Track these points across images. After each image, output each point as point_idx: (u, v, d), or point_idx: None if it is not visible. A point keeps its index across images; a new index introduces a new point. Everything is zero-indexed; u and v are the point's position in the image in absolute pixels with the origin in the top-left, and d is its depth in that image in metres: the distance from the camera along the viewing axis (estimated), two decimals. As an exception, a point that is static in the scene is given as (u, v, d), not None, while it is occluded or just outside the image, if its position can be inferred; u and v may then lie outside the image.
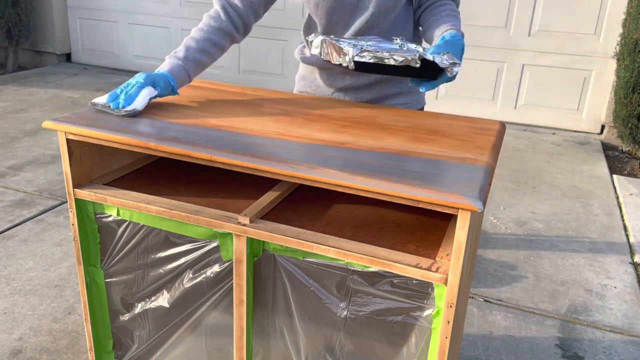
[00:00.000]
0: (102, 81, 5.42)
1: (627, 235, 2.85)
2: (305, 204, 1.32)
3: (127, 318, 1.44)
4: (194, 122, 1.31)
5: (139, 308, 1.41)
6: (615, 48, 4.07)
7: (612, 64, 4.21)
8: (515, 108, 4.58)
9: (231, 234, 1.20)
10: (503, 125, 1.44)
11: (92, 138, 1.25)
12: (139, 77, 1.36)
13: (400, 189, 1.02)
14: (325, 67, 1.67)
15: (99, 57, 5.94)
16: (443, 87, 4.70)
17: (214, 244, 1.24)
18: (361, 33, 1.56)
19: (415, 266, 1.07)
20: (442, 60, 1.25)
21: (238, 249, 1.20)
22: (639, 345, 2.05)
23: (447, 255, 1.12)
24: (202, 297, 1.31)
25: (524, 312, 2.21)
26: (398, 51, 1.23)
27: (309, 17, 1.63)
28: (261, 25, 5.13)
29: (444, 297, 1.06)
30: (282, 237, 1.15)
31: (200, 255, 1.27)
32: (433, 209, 1.01)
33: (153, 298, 1.38)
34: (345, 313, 1.17)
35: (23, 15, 5.49)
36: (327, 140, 1.24)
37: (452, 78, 1.34)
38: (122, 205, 1.30)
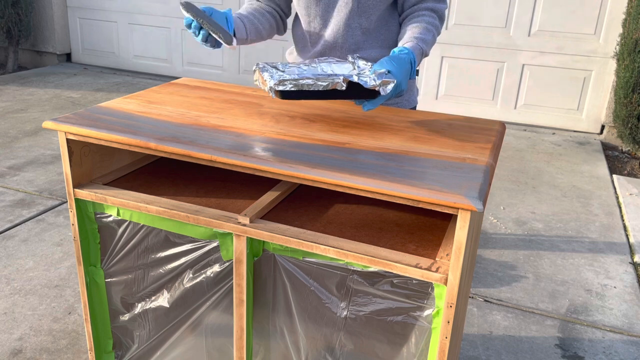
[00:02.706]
0: (102, 81, 5.42)
1: (627, 235, 2.85)
2: (305, 204, 1.32)
3: (127, 318, 1.44)
4: (194, 122, 1.31)
5: (139, 308, 1.41)
6: (615, 48, 4.07)
7: (612, 64, 4.21)
8: (515, 108, 4.58)
9: (231, 234, 1.20)
10: (503, 125, 1.44)
11: (92, 138, 1.25)
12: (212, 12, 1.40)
13: (400, 189, 1.02)
14: None
15: (99, 57, 5.94)
16: (443, 87, 4.70)
17: (214, 244, 1.24)
18: (341, 33, 1.55)
19: (415, 266, 1.07)
20: (368, 81, 1.24)
21: (238, 249, 1.20)
22: (639, 345, 2.05)
23: (447, 255, 1.12)
24: (202, 297, 1.31)
25: (524, 312, 2.21)
26: (325, 75, 1.23)
27: (296, 16, 1.65)
28: (261, 25, 5.13)
29: (444, 297, 1.06)
30: (282, 237, 1.15)
31: (200, 255, 1.27)
32: (433, 209, 1.01)
33: (153, 298, 1.38)
34: (345, 313, 1.17)
35: (23, 15, 5.49)
36: (327, 140, 1.24)
37: (401, 93, 1.31)
38: (122, 205, 1.30)
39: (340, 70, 1.38)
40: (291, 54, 1.73)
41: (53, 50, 5.89)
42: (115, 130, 1.23)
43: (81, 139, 1.27)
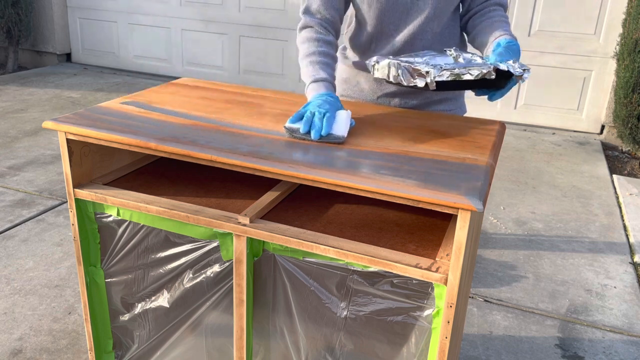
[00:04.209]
0: (102, 81, 5.42)
1: (627, 235, 2.85)
2: (305, 204, 1.32)
3: (127, 318, 1.44)
4: (194, 122, 1.31)
5: (139, 308, 1.41)
6: (615, 48, 4.07)
7: (612, 64, 4.21)
8: (515, 108, 4.58)
9: (231, 234, 1.20)
10: (503, 125, 1.44)
11: (92, 138, 1.25)
12: (323, 105, 1.27)
13: (400, 189, 1.02)
14: (369, 72, 1.63)
15: (99, 57, 5.94)
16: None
17: (214, 244, 1.24)
18: (413, 37, 1.53)
19: (415, 266, 1.07)
20: (514, 68, 1.26)
21: (238, 249, 1.20)
22: (639, 345, 2.05)
23: (447, 255, 1.12)
24: (202, 297, 1.31)
25: (524, 312, 2.21)
26: (473, 65, 1.25)
27: (356, 20, 1.58)
28: (261, 25, 5.13)
29: (444, 297, 1.06)
30: (282, 237, 1.15)
31: (200, 255, 1.27)
32: (433, 209, 1.01)
33: (153, 298, 1.38)
34: (345, 313, 1.17)
35: (23, 15, 5.49)
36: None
37: (513, 85, 1.33)
38: (122, 205, 1.30)
39: (444, 62, 1.38)
40: (347, 58, 1.68)
41: (53, 50, 5.89)
42: (115, 130, 1.23)
43: (81, 139, 1.27)
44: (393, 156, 1.16)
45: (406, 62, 1.29)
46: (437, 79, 1.23)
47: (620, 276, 2.48)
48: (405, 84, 1.28)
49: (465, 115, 1.77)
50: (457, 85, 1.27)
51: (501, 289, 2.35)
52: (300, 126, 1.24)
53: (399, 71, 1.28)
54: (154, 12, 5.53)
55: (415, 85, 1.26)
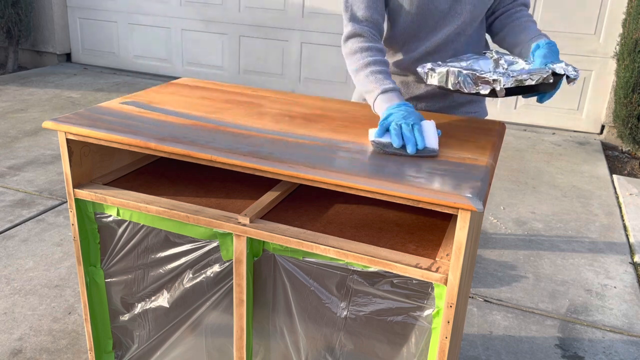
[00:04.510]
0: (102, 81, 5.42)
1: (627, 235, 2.85)
2: (305, 204, 1.32)
3: (127, 318, 1.44)
4: (194, 122, 1.31)
5: (139, 308, 1.41)
6: (615, 48, 4.07)
7: (612, 64, 4.21)
8: (515, 108, 4.58)
9: (231, 234, 1.20)
10: (503, 125, 1.44)
11: (92, 138, 1.25)
12: (408, 117, 1.22)
13: (400, 189, 1.02)
14: (397, 74, 1.63)
15: (99, 57, 5.94)
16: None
17: (214, 244, 1.24)
18: (446, 41, 1.53)
19: (415, 266, 1.07)
20: (569, 71, 1.28)
21: (238, 249, 1.20)
22: (639, 345, 2.05)
23: (447, 255, 1.12)
24: (202, 297, 1.31)
25: (524, 312, 2.21)
26: (534, 71, 1.27)
27: (389, 23, 1.56)
28: (261, 25, 5.13)
29: (444, 297, 1.06)
30: (282, 237, 1.15)
31: (200, 255, 1.27)
32: (433, 209, 1.01)
33: (153, 298, 1.38)
34: (345, 313, 1.17)
35: (23, 15, 5.49)
36: (327, 140, 1.24)
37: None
38: (122, 205, 1.30)
39: (487, 65, 1.40)
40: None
41: (53, 50, 5.89)
42: (115, 130, 1.23)
43: (81, 139, 1.27)
44: (393, 156, 1.16)
45: (469, 69, 1.29)
46: (507, 85, 1.24)
47: (620, 276, 2.48)
48: (466, 91, 1.28)
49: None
50: (518, 91, 1.28)
51: (501, 289, 2.35)
52: (390, 140, 1.19)
53: (460, 78, 1.28)
54: (154, 12, 5.53)
55: (478, 93, 1.27)
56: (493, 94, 1.26)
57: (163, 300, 1.36)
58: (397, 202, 1.08)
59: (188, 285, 1.31)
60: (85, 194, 1.33)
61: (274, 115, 1.39)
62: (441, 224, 1.25)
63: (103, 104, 1.42)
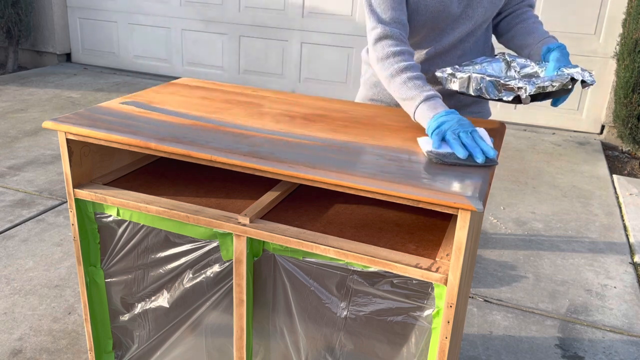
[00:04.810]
0: (102, 81, 5.42)
1: (627, 235, 2.85)
2: (305, 204, 1.32)
3: (127, 318, 1.44)
4: (194, 122, 1.31)
5: (139, 308, 1.41)
6: (615, 48, 4.07)
7: (612, 64, 4.21)
8: (515, 108, 4.58)
9: (231, 234, 1.20)
10: (503, 125, 1.44)
11: (92, 138, 1.25)
12: (464, 125, 1.18)
13: (400, 189, 1.02)
14: None
15: (99, 57, 5.94)
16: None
17: (214, 244, 1.24)
18: (458, 42, 1.54)
19: (415, 266, 1.07)
20: (585, 76, 1.29)
21: (238, 249, 1.20)
22: (639, 345, 2.05)
23: (447, 255, 1.12)
24: (202, 297, 1.31)
25: (524, 312, 2.21)
26: (555, 78, 1.27)
27: None
28: (261, 25, 5.13)
29: (444, 297, 1.06)
30: (282, 237, 1.15)
31: (200, 255, 1.27)
32: (433, 209, 1.01)
33: (153, 298, 1.38)
34: (345, 313, 1.17)
35: (23, 15, 5.49)
36: (327, 140, 1.24)
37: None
38: (122, 205, 1.30)
39: (499, 68, 1.41)
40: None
41: (53, 50, 5.89)
42: (115, 130, 1.23)
43: (81, 139, 1.27)
44: (393, 156, 1.16)
45: (492, 76, 1.29)
46: (532, 92, 1.25)
47: (620, 276, 2.48)
48: (487, 97, 1.28)
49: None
50: (539, 97, 1.28)
51: (501, 289, 2.35)
52: (450, 150, 1.14)
53: (482, 84, 1.28)
54: (154, 12, 5.53)
55: (501, 99, 1.27)
56: (516, 100, 1.27)
57: (163, 300, 1.36)
58: (397, 202, 1.07)
59: (188, 285, 1.31)
60: (85, 194, 1.33)
61: (274, 115, 1.39)
62: (441, 224, 1.25)
63: (103, 104, 1.42)
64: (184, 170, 1.48)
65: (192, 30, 5.42)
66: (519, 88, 1.25)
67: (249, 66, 5.32)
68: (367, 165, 1.11)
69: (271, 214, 1.25)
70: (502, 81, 1.27)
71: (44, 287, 2.25)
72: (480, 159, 1.11)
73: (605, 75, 4.27)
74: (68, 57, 6.12)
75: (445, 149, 1.15)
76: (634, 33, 3.63)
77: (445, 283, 1.05)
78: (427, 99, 1.27)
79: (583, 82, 1.28)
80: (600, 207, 3.17)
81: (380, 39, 1.40)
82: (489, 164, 1.13)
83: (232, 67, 5.38)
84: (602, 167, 3.77)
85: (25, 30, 5.57)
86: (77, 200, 1.34)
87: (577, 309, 2.24)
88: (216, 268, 1.26)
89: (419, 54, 1.57)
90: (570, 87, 1.27)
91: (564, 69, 1.30)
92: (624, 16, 4.07)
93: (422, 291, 1.09)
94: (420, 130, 1.33)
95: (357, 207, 1.32)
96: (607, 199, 3.28)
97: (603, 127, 4.39)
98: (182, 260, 1.30)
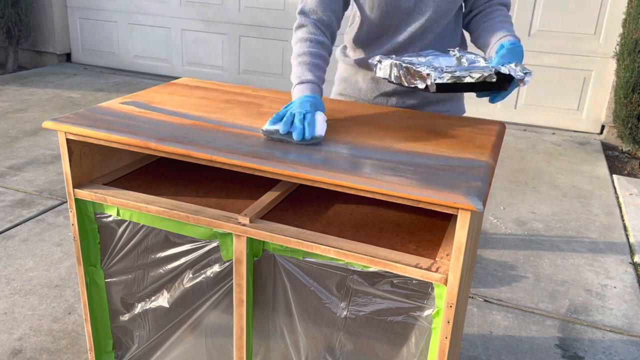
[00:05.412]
0: (102, 81, 5.42)
1: (627, 235, 2.85)
2: (305, 204, 1.32)
3: (127, 318, 1.44)
4: (194, 122, 1.31)
5: (139, 308, 1.41)
6: (615, 48, 4.07)
7: (612, 64, 4.21)
8: (515, 108, 4.58)
9: (231, 234, 1.20)
10: (503, 125, 1.44)
11: (92, 138, 1.25)
12: (303, 106, 1.26)
13: (400, 189, 1.02)
14: (368, 69, 1.64)
15: (99, 57, 5.94)
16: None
17: (214, 244, 1.24)
18: (412, 39, 1.54)
19: (415, 266, 1.07)
20: (516, 72, 1.26)
21: (238, 249, 1.20)
22: (639, 345, 2.05)
23: (447, 255, 1.12)
24: (202, 297, 1.31)
25: (524, 312, 2.21)
26: (475, 68, 1.25)
27: (359, 20, 1.58)
28: (261, 25, 5.13)
29: (444, 297, 1.06)
30: (282, 237, 1.15)
31: (200, 255, 1.27)
32: (433, 209, 1.01)
33: (153, 298, 1.38)
34: (345, 313, 1.17)
35: (23, 15, 5.49)
36: (327, 140, 1.24)
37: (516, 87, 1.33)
38: (122, 205, 1.30)
39: (447, 63, 1.38)
40: (347, 57, 1.69)
41: (53, 50, 5.89)
42: (115, 130, 1.23)
43: (81, 139, 1.27)
44: (393, 156, 1.16)
45: (408, 62, 1.29)
46: (438, 81, 1.23)
47: (620, 276, 2.48)
48: (406, 84, 1.28)
49: (466, 115, 1.77)
50: (458, 87, 1.27)
51: (501, 289, 2.35)
52: (280, 127, 1.22)
53: (401, 72, 1.28)
54: (154, 12, 5.53)
55: (416, 87, 1.26)
56: (441, 88, 1.25)
57: (163, 300, 1.36)
58: (397, 202, 1.08)
59: (188, 285, 1.31)
60: (85, 194, 1.33)
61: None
62: (441, 224, 1.25)
63: (103, 104, 1.42)
64: (184, 170, 1.48)
65: (192, 30, 5.43)
66: (427, 75, 1.23)
67: (248, 66, 5.32)
68: (367, 165, 1.11)
69: (271, 214, 1.25)
70: (414, 68, 1.26)
71: (44, 287, 2.25)
72: (295, 137, 1.19)
73: (605, 75, 4.27)
74: (68, 57, 6.12)
75: (275, 127, 1.23)
76: (634, 33, 3.63)
77: (445, 283, 1.05)
78: (301, 82, 1.37)
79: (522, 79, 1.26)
80: (600, 207, 3.17)
81: (297, 27, 1.50)
82: (306, 142, 1.20)
83: (232, 67, 5.39)
84: (602, 167, 3.77)
85: (25, 30, 5.57)
86: (77, 200, 1.35)
87: (577, 309, 2.24)
88: (216, 268, 1.26)
89: (379, 51, 1.59)
90: (494, 80, 1.23)
91: (497, 64, 1.28)
92: (624, 16, 4.07)
93: (422, 291, 1.09)
94: (421, 131, 1.33)
95: (357, 207, 1.32)
96: (607, 199, 3.28)
97: (603, 127, 4.39)
98: (182, 260, 1.30)
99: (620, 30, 4.09)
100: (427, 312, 1.10)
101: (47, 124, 1.27)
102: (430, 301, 1.09)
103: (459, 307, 1.15)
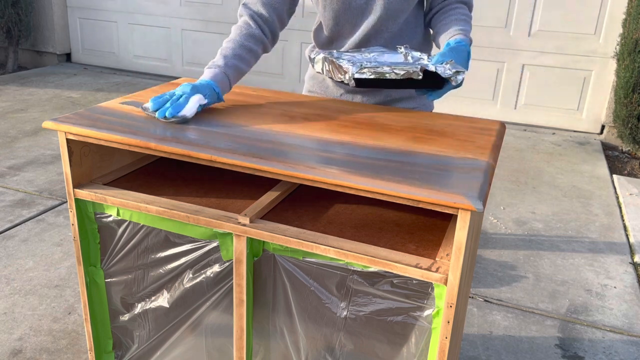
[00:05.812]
0: (102, 81, 5.42)
1: (627, 235, 2.85)
2: (305, 204, 1.32)
3: (127, 318, 1.44)
4: (194, 122, 1.31)
5: (139, 308, 1.41)
6: (615, 48, 4.07)
7: (612, 64, 4.21)
8: (515, 108, 4.58)
9: (231, 234, 1.20)
10: (503, 125, 1.44)
11: (92, 138, 1.25)
12: (185, 88, 1.34)
13: (400, 189, 1.02)
14: None
15: (99, 57, 5.94)
16: (443, 87, 4.70)
17: (214, 244, 1.24)
18: (369, 37, 1.55)
19: (415, 266, 1.07)
20: (444, 70, 1.25)
21: (238, 249, 1.20)
22: (639, 345, 2.05)
23: (447, 255, 1.12)
24: (202, 297, 1.31)
25: (524, 312, 2.21)
26: (399, 64, 1.24)
27: (319, 20, 1.62)
28: (261, 25, 5.13)
29: (444, 297, 1.06)
30: (282, 237, 1.15)
31: (200, 255, 1.27)
32: (433, 209, 1.01)
33: (153, 298, 1.38)
34: (345, 313, 1.17)
35: (23, 15, 5.49)
36: (327, 140, 1.24)
37: (459, 85, 1.33)
38: (122, 205, 1.30)
39: (394, 60, 1.38)
40: (317, 55, 1.72)
41: (53, 50, 5.89)
42: (115, 130, 1.23)
43: (81, 139, 1.27)
44: (393, 156, 1.16)
45: (336, 57, 1.29)
46: (357, 76, 1.22)
47: (620, 276, 2.48)
48: (335, 79, 1.29)
49: (466, 115, 1.77)
50: (384, 83, 1.26)
51: (501, 289, 2.35)
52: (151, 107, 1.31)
53: (330, 66, 1.28)
54: (154, 12, 5.53)
55: (342, 81, 1.26)
56: (362, 83, 1.24)
57: (163, 300, 1.36)
58: (397, 202, 1.08)
59: (188, 285, 1.31)
60: (85, 194, 1.33)
61: (274, 116, 1.39)
62: (441, 224, 1.25)
63: (103, 104, 1.42)
64: (184, 170, 1.48)
65: (192, 30, 5.43)
66: (346, 70, 1.23)
67: (249, 66, 5.32)
68: (367, 165, 1.11)
69: (271, 214, 1.25)
70: (337, 62, 1.25)
71: (44, 287, 2.25)
72: (158, 115, 1.28)
73: (605, 75, 4.27)
74: (68, 57, 6.12)
75: (149, 104, 1.31)
76: (634, 33, 3.63)
77: (445, 283, 1.05)
78: (208, 67, 1.43)
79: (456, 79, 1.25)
80: (600, 207, 3.17)
81: (238, 16, 1.55)
82: (172, 121, 1.27)
83: (232, 67, 5.38)
84: (602, 167, 3.77)
85: (25, 30, 5.58)
86: (77, 200, 1.35)
87: (577, 309, 2.24)
88: (216, 268, 1.26)
89: (337, 49, 1.61)
90: (420, 77, 1.23)
91: (433, 64, 1.27)
92: (624, 16, 4.07)
93: (422, 291, 1.09)
94: (421, 130, 1.33)
95: (357, 207, 1.32)
96: (607, 199, 3.28)
97: (603, 127, 4.39)
98: (182, 260, 1.30)
99: (620, 30, 4.09)
100: (427, 312, 1.10)
101: (47, 124, 1.27)
102: (430, 301, 1.09)
103: (459, 307, 1.15)
